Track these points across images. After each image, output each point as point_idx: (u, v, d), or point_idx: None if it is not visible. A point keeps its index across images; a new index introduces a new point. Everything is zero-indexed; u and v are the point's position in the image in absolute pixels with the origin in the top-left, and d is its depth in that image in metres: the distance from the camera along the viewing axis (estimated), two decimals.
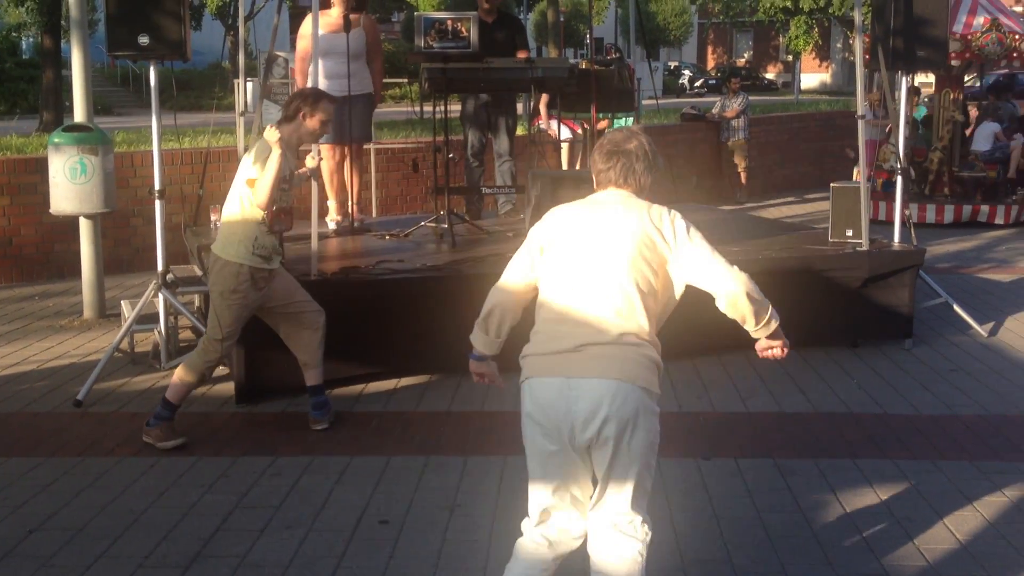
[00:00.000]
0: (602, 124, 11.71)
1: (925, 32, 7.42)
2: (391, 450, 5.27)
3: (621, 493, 3.09)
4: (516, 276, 3.32)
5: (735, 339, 6.71)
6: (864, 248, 7.10)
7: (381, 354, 6.30)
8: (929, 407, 5.95)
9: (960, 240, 11.75)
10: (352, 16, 7.64)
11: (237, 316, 5.23)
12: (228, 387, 6.15)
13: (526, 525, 3.24)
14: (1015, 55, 12.81)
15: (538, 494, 3.16)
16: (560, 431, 3.05)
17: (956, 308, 7.69)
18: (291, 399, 5.97)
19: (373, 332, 6.20)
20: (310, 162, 5.49)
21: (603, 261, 3.11)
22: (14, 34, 41.60)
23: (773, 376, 6.48)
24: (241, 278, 5.13)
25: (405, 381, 6.39)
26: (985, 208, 12.83)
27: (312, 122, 5.22)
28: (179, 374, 5.31)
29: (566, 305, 3.12)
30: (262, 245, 5.16)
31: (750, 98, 15.95)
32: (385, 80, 9.31)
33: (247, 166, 5.18)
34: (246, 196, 5.13)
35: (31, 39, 42.47)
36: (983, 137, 13.64)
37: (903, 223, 7.63)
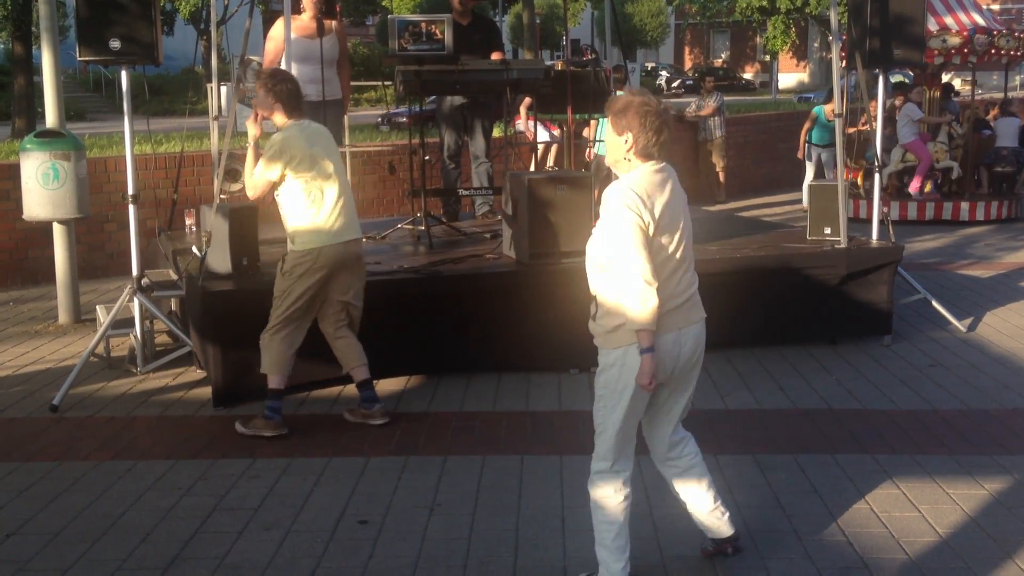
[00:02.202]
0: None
1: (902, 31, 7.44)
2: (370, 451, 5.25)
3: (688, 404, 3.84)
4: (650, 260, 3.49)
5: (713, 337, 6.74)
6: (842, 245, 7.12)
7: None
8: (908, 402, 5.97)
9: (939, 236, 11.81)
10: (327, 22, 7.63)
11: None
12: (205, 390, 6.11)
13: (602, 469, 3.72)
14: (967, 50, 12.85)
15: (625, 434, 3.69)
16: (665, 371, 3.61)
17: (935, 304, 7.73)
18: None
19: None
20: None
21: (683, 230, 3.61)
22: None
23: (752, 373, 6.49)
24: None
25: (384, 382, 6.35)
26: None
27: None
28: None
29: (672, 269, 3.57)
30: None
31: (726, 98, 16.00)
32: (360, 83, 9.28)
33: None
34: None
35: (2, 45, 42.17)
36: (1009, 133, 13.73)
37: (881, 220, 7.65)
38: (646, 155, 3.53)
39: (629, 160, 3.54)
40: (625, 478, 3.72)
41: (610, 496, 3.69)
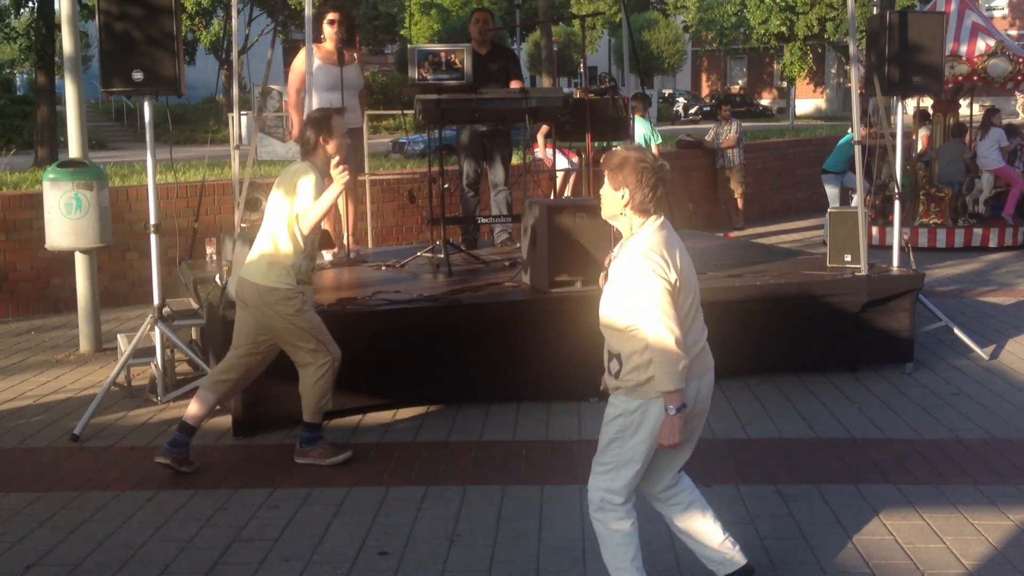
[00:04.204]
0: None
1: (920, 58, 7.43)
2: (390, 481, 5.24)
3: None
4: (678, 322, 3.53)
5: (734, 366, 6.72)
6: (863, 273, 7.09)
7: (378, 385, 6.27)
8: (931, 431, 5.92)
9: (960, 263, 11.75)
10: (347, 52, 7.69)
11: (319, 321, 5.40)
12: (225, 420, 6.11)
13: (615, 502, 3.72)
14: (1021, 77, 12.84)
15: (639, 475, 3.72)
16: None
17: (956, 332, 7.67)
18: (288, 431, 5.93)
19: (370, 363, 6.16)
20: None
21: (695, 280, 3.65)
22: (8, 71, 41.79)
23: (773, 402, 6.45)
24: (299, 297, 5.31)
25: (403, 412, 6.35)
26: None
27: (333, 143, 5.34)
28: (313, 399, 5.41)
29: (690, 321, 3.61)
30: (303, 271, 5.36)
31: (744, 124, 16.00)
32: (379, 111, 9.34)
33: (284, 200, 5.27)
34: (282, 229, 5.25)
35: (25, 75, 42.66)
36: None
37: (902, 247, 7.61)
38: (643, 210, 3.57)
39: (625, 215, 3.59)
40: (632, 504, 3.78)
41: (621, 519, 3.73)
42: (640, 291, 3.49)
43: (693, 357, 3.58)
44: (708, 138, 15.32)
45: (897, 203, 7.80)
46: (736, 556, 3.86)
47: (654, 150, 12.17)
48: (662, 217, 3.59)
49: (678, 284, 3.51)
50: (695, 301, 3.63)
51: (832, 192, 13.85)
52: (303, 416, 5.44)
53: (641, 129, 12.31)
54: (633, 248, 3.55)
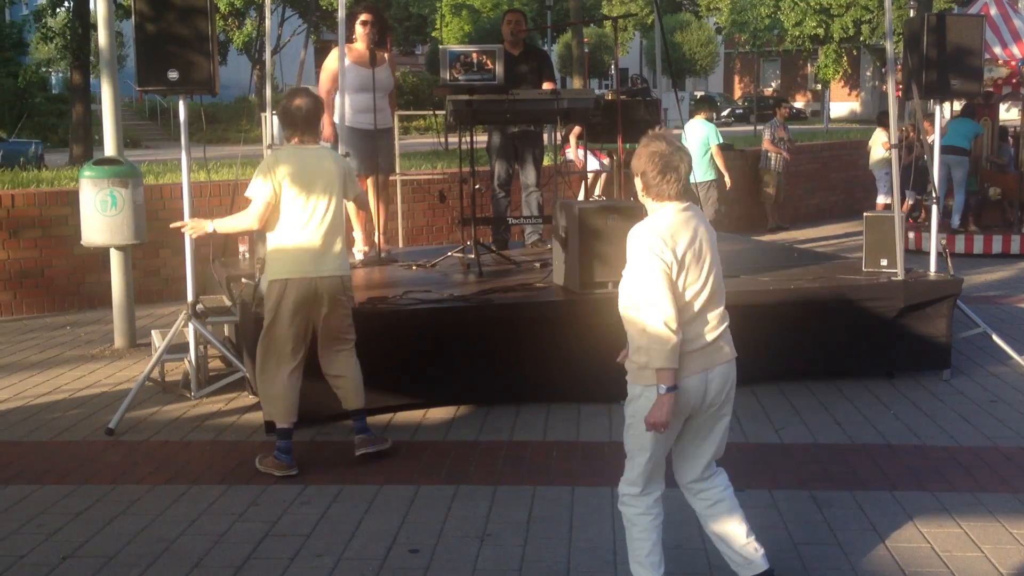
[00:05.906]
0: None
1: (959, 61, 7.34)
2: (420, 479, 5.23)
3: (723, 442, 3.80)
4: (673, 303, 3.55)
5: (767, 370, 6.66)
6: (899, 278, 7.01)
7: (409, 384, 6.27)
8: (969, 439, 5.85)
9: (998, 269, 11.61)
10: (379, 52, 7.71)
11: None
12: (258, 416, 6.13)
13: (632, 493, 3.78)
14: None
15: (654, 463, 3.74)
16: (690, 409, 3.66)
17: (995, 338, 7.56)
18: (320, 428, 5.95)
19: (400, 362, 6.17)
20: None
21: (709, 270, 3.64)
22: (44, 69, 42.22)
23: (807, 406, 6.39)
24: None
25: (433, 411, 6.35)
26: None
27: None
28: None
29: (698, 310, 3.62)
30: None
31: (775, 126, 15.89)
32: (409, 112, 9.37)
33: (335, 189, 5.33)
34: (341, 218, 5.40)
35: (61, 74, 43.09)
36: None
37: (939, 253, 7.52)
38: (656, 195, 3.64)
39: (644, 199, 3.69)
40: (656, 498, 3.77)
41: (642, 514, 3.76)
42: (638, 270, 3.59)
43: (697, 349, 3.59)
44: (768, 136, 15.11)
45: (934, 207, 7.71)
46: (758, 560, 3.79)
47: (714, 151, 12.20)
48: (682, 203, 3.64)
49: (676, 267, 3.55)
50: (706, 292, 3.61)
51: (959, 176, 12.94)
52: (357, 404, 5.47)
53: (704, 130, 12.36)
54: (635, 229, 3.65)
